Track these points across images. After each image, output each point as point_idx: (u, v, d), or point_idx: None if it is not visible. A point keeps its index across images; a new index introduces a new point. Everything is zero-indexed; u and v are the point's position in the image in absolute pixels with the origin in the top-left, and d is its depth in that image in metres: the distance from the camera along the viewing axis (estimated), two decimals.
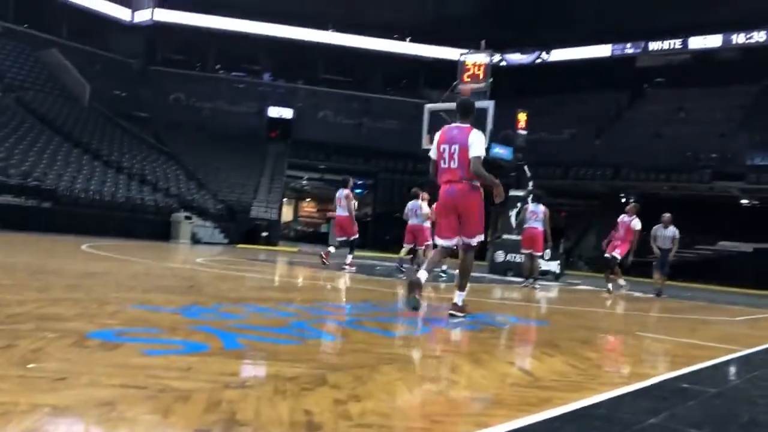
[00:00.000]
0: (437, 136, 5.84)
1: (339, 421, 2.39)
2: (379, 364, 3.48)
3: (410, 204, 13.43)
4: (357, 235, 13.03)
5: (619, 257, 12.51)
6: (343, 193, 12.65)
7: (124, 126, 31.01)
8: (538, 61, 37.41)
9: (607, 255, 12.78)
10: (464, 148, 5.58)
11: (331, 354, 3.71)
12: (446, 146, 5.67)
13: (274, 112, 36.96)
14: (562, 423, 2.70)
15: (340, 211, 12.63)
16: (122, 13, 39.24)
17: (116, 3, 38.74)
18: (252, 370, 3.19)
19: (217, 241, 23.56)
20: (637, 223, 12.40)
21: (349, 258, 12.68)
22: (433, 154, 5.84)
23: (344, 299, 7.87)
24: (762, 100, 30.90)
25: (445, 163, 5.69)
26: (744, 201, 27.18)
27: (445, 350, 4.54)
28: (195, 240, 22.56)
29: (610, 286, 12.66)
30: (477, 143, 5.62)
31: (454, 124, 5.86)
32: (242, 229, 25.27)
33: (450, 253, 6.07)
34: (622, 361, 4.51)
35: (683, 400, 3.57)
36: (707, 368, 4.52)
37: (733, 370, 4.74)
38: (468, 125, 5.76)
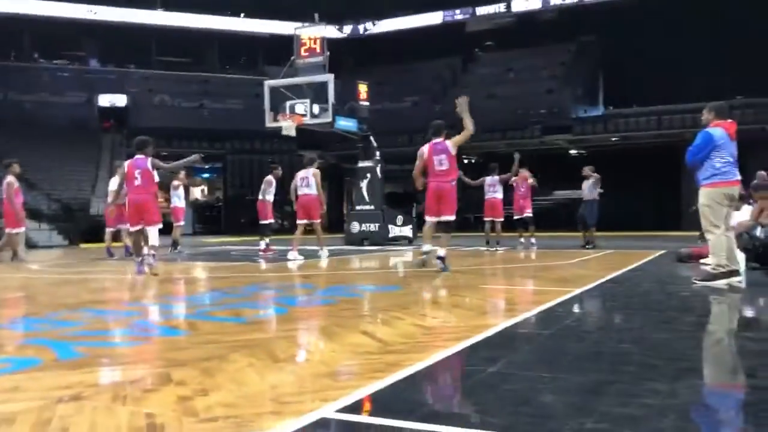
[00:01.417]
0: (426, 149, 8.17)
1: (183, 419, 2.33)
2: (229, 354, 3.42)
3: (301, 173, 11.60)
4: (271, 220, 13.20)
5: (531, 214, 14.00)
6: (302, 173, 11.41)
7: None
8: (366, 32, 37.84)
9: (520, 216, 13.96)
10: (450, 155, 8.09)
11: (177, 350, 3.59)
12: (435, 157, 8.07)
13: (105, 100, 34.57)
14: (407, 384, 2.80)
15: (307, 191, 11.25)
16: None
17: None
18: (89, 378, 3.01)
19: (55, 243, 21.88)
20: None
21: (263, 244, 12.77)
22: (420, 161, 8.21)
23: (195, 291, 7.64)
24: (579, 56, 33.33)
25: (437, 167, 8.07)
26: (572, 152, 29.34)
27: (298, 329, 4.55)
28: (30, 245, 20.80)
29: (533, 240, 13.90)
30: (454, 146, 8.17)
31: (435, 140, 8.15)
32: (83, 228, 23.64)
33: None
34: (466, 315, 4.74)
35: (520, 345, 3.84)
36: (543, 312, 4.87)
37: (566, 310, 5.12)
38: (441, 139, 8.15)
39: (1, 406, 2.47)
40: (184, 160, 9.42)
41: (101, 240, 14.52)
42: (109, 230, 12.65)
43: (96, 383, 2.99)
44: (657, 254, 11.04)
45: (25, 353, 3.51)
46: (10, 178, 12.22)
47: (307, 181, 11.28)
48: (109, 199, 12.13)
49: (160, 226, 8.64)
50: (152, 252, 8.45)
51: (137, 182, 8.37)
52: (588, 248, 12.98)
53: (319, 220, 11.49)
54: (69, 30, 36.91)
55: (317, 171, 11.39)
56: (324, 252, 11.38)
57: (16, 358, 3.36)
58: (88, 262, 12.02)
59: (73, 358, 3.36)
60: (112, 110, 34.07)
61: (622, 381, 2.80)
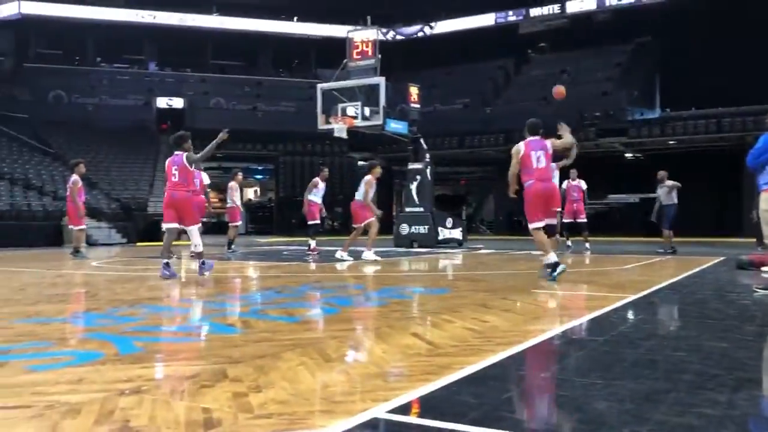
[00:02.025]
0: (522, 145, 7.54)
1: (238, 414, 2.39)
2: (281, 352, 3.48)
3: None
4: (316, 221, 13.42)
5: (585, 219, 14.25)
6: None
7: (1, 129, 29.03)
8: (423, 34, 37.76)
9: (572, 220, 14.13)
10: (548, 154, 7.58)
11: (232, 347, 3.66)
12: (533, 152, 7.47)
13: (163, 102, 35.50)
14: (459, 387, 2.80)
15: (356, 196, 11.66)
16: None
17: None
18: (148, 373, 3.11)
19: (114, 241, 22.56)
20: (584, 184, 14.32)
21: (313, 243, 13.18)
22: (516, 158, 7.55)
23: (248, 289, 7.78)
24: (636, 57, 32.59)
25: (535, 164, 7.47)
26: (628, 155, 28.69)
27: (350, 329, 4.59)
28: (90, 243, 21.52)
29: (587, 245, 13.79)
30: (552, 146, 7.73)
31: (530, 138, 7.58)
32: (140, 227, 24.34)
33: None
34: (518, 320, 4.70)
35: (574, 351, 3.78)
36: (597, 318, 4.80)
37: (620, 316, 5.04)
38: (539, 138, 7.60)
39: (67, 396, 2.58)
40: (213, 142, 8.79)
41: (158, 239, 14.95)
42: None
43: (155, 377, 3.09)
44: (716, 261, 10.71)
45: (88, 347, 3.64)
46: (75, 177, 12.75)
47: (360, 187, 11.53)
48: None
49: (199, 225, 8.60)
50: (200, 259, 8.43)
51: (174, 179, 8.34)
52: (663, 252, 12.91)
53: (362, 224, 11.34)
54: (129, 35, 38.06)
55: (368, 178, 11.43)
56: (368, 254, 11.32)
57: (80, 352, 3.50)
58: (145, 260, 12.36)
59: (132, 353, 3.48)
60: (170, 112, 34.94)
61: (678, 390, 2.74)
